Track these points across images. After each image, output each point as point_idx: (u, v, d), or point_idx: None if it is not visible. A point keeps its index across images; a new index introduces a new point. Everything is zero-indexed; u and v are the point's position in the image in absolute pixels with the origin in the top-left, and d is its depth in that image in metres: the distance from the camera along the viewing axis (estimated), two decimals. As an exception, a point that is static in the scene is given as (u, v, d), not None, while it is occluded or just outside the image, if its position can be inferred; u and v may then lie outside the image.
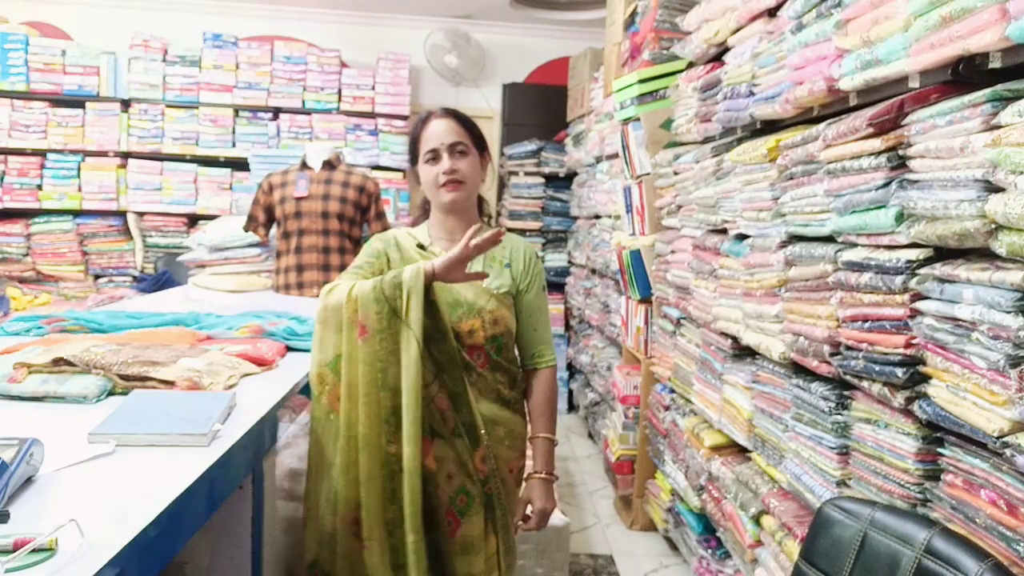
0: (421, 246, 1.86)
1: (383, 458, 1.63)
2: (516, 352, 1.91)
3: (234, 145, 5.27)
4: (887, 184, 1.52)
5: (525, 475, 1.91)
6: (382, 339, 1.63)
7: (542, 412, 1.91)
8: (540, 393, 1.92)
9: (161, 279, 4.77)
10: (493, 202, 5.90)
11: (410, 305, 1.63)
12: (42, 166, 5.15)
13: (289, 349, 2.06)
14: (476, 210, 1.92)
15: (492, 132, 5.79)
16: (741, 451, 2.44)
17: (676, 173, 2.89)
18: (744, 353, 2.32)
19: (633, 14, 3.81)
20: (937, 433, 1.45)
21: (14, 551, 0.86)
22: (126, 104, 5.20)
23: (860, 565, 1.23)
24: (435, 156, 1.80)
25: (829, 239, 1.79)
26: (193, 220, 5.29)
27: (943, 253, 1.42)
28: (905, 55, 1.48)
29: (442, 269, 1.64)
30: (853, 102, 1.73)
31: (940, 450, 1.42)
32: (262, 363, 1.86)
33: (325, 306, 1.70)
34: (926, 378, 1.44)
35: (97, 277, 5.29)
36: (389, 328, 1.63)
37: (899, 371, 1.47)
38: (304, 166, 3.38)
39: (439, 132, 1.80)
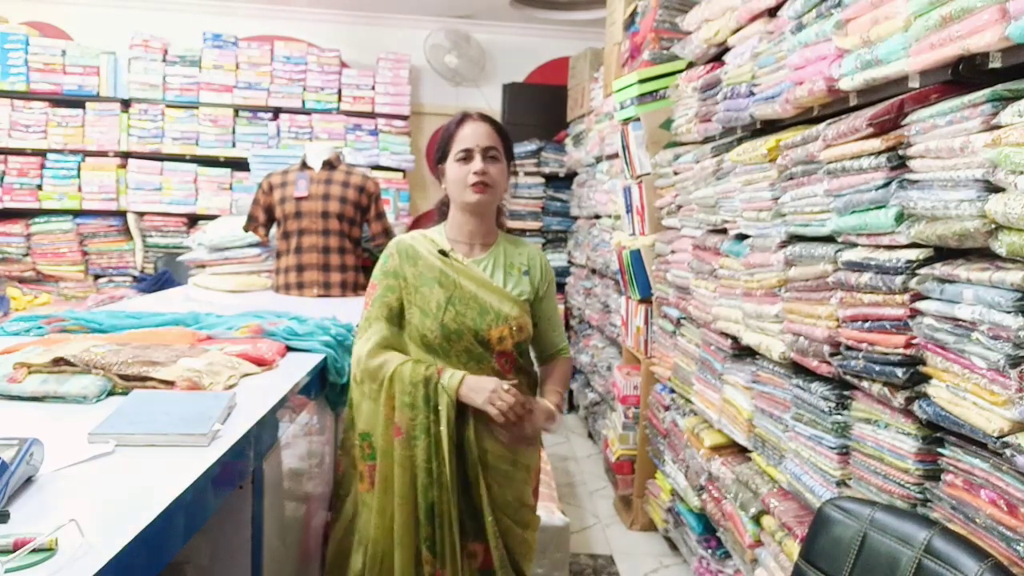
0: (443, 252, 1.87)
1: (415, 557, 1.76)
2: (532, 355, 1.98)
3: (234, 145, 5.27)
4: (887, 184, 1.52)
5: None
6: (415, 445, 1.75)
7: (555, 380, 1.98)
8: (556, 369, 2.00)
9: (161, 279, 4.77)
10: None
11: (447, 417, 1.74)
12: (42, 166, 5.15)
13: (289, 349, 2.06)
14: (495, 218, 1.95)
15: (492, 132, 5.78)
16: (741, 451, 2.44)
17: (676, 173, 2.89)
18: (744, 353, 2.32)
19: (633, 14, 3.81)
20: (937, 433, 1.45)
21: (14, 551, 0.86)
22: (126, 104, 5.20)
23: (860, 565, 1.23)
24: (468, 156, 1.82)
25: (829, 239, 1.79)
26: (193, 220, 5.29)
27: (943, 253, 1.42)
28: (905, 55, 1.48)
29: (465, 396, 1.75)
30: (853, 102, 1.73)
31: (940, 450, 1.42)
32: (262, 363, 1.86)
33: (365, 368, 1.81)
34: (926, 378, 1.44)
35: (97, 277, 5.30)
36: (426, 435, 1.74)
37: (899, 371, 1.47)
38: (304, 166, 3.38)
39: (476, 134, 1.83)
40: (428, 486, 1.74)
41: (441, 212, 1.97)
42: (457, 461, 1.77)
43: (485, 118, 1.88)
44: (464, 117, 1.87)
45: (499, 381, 1.76)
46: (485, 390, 1.74)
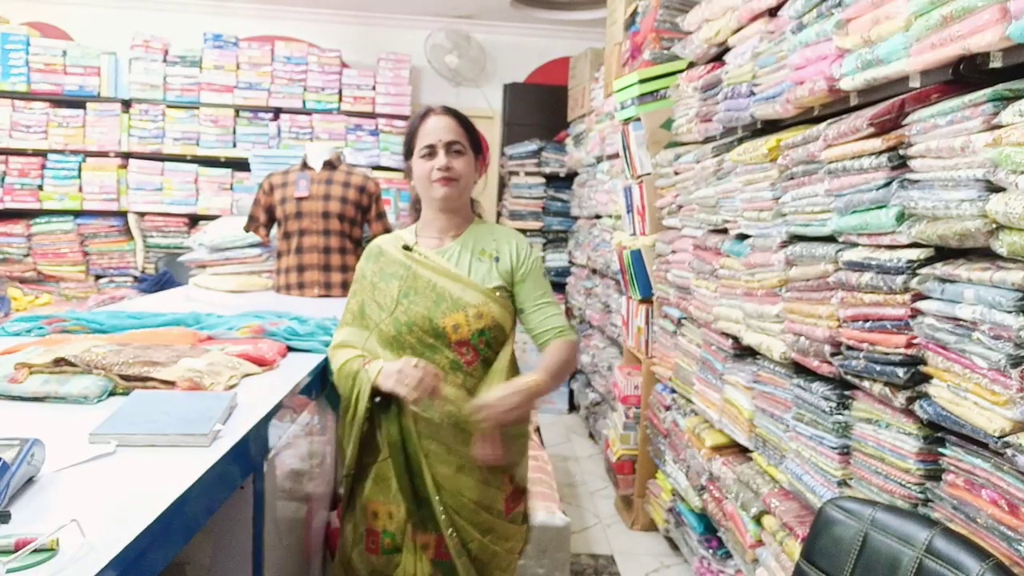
0: (407, 247, 1.85)
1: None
2: (512, 349, 1.86)
3: (235, 145, 5.27)
4: (888, 184, 1.52)
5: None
6: (340, 432, 1.86)
7: (546, 362, 1.77)
8: (548, 351, 1.80)
9: (162, 279, 4.77)
10: (494, 202, 5.89)
11: (357, 407, 1.78)
12: (43, 166, 5.15)
13: (290, 349, 2.06)
14: (469, 211, 1.91)
15: (493, 132, 5.79)
16: (742, 451, 2.44)
17: (677, 173, 2.89)
18: (745, 353, 2.32)
19: (634, 14, 3.81)
20: (938, 433, 1.45)
21: (15, 551, 0.86)
22: (127, 104, 5.21)
23: (861, 565, 1.23)
24: (431, 152, 1.79)
25: (830, 239, 1.79)
26: (194, 220, 5.30)
27: (944, 253, 1.42)
28: (906, 55, 1.48)
29: (382, 384, 1.71)
30: (854, 102, 1.73)
31: (941, 450, 1.42)
32: (263, 363, 1.86)
33: (331, 358, 1.89)
34: (927, 378, 1.44)
35: (98, 277, 5.30)
36: (349, 424, 1.82)
37: (900, 371, 1.47)
38: (305, 166, 3.38)
39: (437, 128, 1.80)
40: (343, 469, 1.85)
41: (415, 211, 1.94)
42: (404, 453, 1.78)
43: (448, 111, 1.84)
44: (427, 112, 1.84)
45: (408, 359, 1.69)
46: (393, 372, 1.67)
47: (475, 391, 1.77)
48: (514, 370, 1.85)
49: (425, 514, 1.78)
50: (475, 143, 1.86)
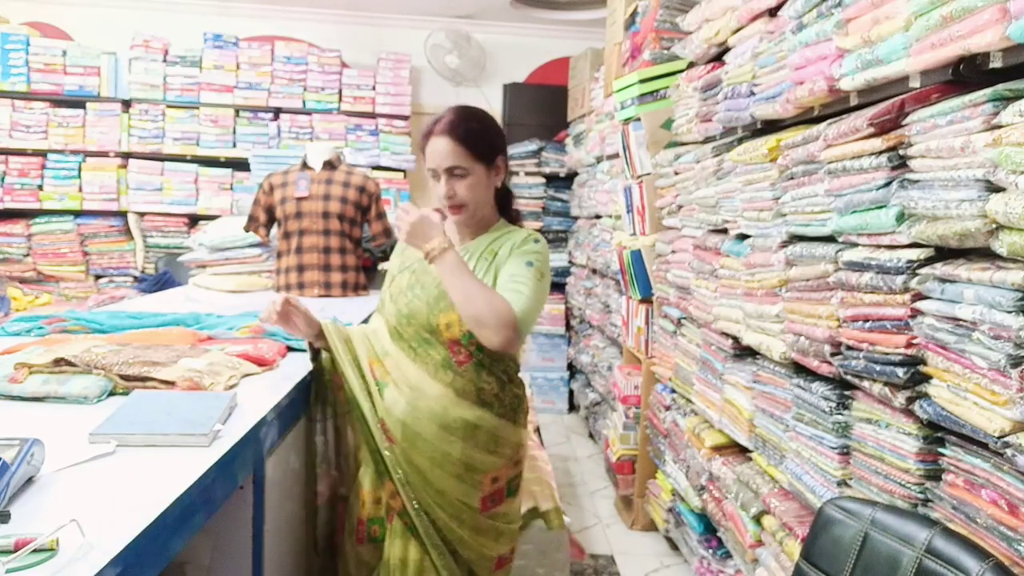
0: None
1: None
2: (507, 357, 1.84)
3: (235, 145, 5.27)
4: (888, 184, 1.52)
5: None
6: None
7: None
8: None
9: (162, 279, 4.77)
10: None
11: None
12: (43, 166, 5.15)
13: (290, 349, 2.06)
14: (490, 214, 1.88)
15: (493, 132, 5.78)
16: (742, 451, 2.44)
17: (677, 173, 2.89)
18: (745, 353, 2.32)
19: (634, 14, 3.81)
20: (938, 433, 1.45)
21: (15, 551, 0.86)
22: (127, 104, 5.20)
23: (861, 565, 1.23)
24: (435, 175, 1.81)
25: (830, 239, 1.79)
26: (194, 220, 5.29)
27: (944, 253, 1.42)
28: (906, 55, 1.48)
29: None
30: (854, 102, 1.73)
31: (941, 450, 1.42)
32: (263, 363, 1.86)
33: None
34: (927, 378, 1.44)
35: (98, 277, 5.30)
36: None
37: (900, 371, 1.47)
38: (305, 166, 3.38)
39: (435, 153, 1.78)
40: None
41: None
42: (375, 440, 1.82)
43: (448, 131, 1.76)
44: (430, 131, 1.80)
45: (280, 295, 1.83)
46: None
47: (463, 392, 1.78)
48: (505, 377, 1.85)
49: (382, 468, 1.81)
50: (484, 154, 1.80)
